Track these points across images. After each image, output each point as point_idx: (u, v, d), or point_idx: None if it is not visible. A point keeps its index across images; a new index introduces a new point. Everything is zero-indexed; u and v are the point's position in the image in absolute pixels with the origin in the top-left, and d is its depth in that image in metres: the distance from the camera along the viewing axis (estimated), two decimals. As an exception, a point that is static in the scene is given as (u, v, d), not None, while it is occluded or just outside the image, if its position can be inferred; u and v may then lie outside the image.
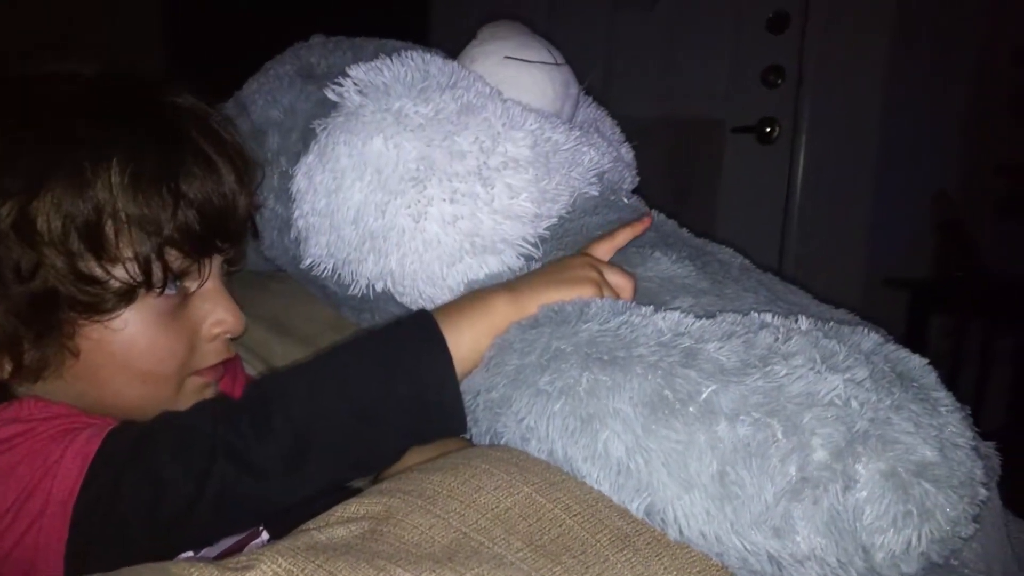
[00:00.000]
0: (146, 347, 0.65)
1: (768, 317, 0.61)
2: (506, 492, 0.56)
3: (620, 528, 0.56)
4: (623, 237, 0.75)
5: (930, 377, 0.58)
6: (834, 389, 0.53)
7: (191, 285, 0.67)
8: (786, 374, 0.55)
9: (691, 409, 0.55)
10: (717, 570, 0.56)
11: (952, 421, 0.54)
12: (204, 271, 0.66)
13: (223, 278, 0.70)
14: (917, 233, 2.31)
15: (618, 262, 0.72)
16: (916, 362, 0.59)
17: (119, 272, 0.61)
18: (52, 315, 0.61)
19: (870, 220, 2.31)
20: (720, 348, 0.57)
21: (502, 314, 0.66)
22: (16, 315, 0.61)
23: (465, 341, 0.65)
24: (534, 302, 0.67)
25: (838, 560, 0.51)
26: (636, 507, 0.57)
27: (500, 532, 0.53)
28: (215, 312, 0.68)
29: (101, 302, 0.62)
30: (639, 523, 0.57)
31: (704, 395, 0.55)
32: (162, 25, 2.52)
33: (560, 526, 0.55)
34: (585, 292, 0.66)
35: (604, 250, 0.74)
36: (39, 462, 0.58)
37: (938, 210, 2.29)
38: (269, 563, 0.48)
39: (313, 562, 0.48)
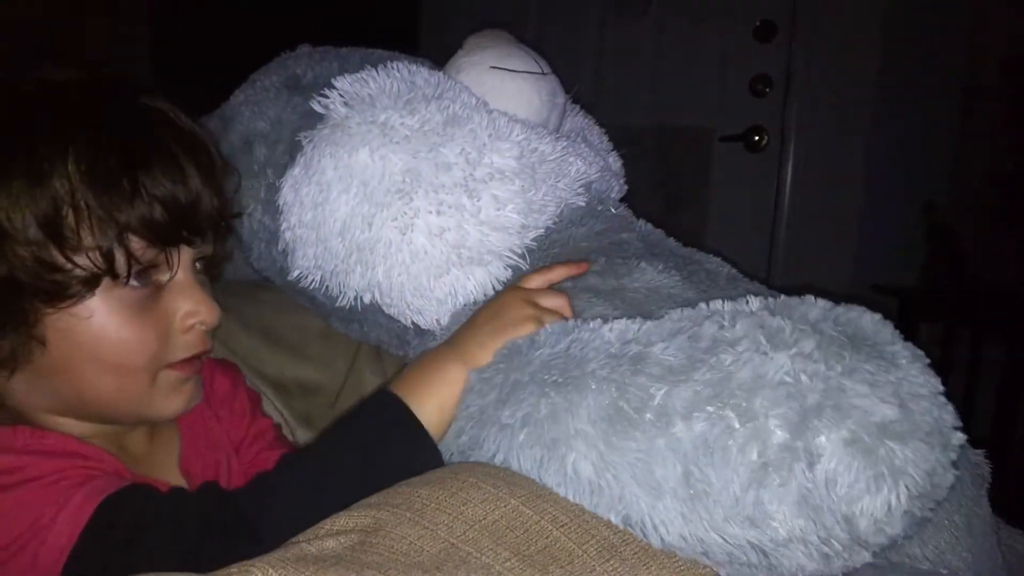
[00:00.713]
0: (115, 338, 0.65)
1: (717, 304, 0.60)
2: (493, 504, 0.56)
3: (607, 538, 0.56)
4: (559, 273, 0.75)
5: (884, 332, 0.56)
6: (782, 367, 0.53)
7: (162, 277, 0.67)
8: (732, 362, 0.54)
9: (647, 416, 0.55)
10: (705, 572, 0.56)
11: (911, 373, 0.53)
12: (173, 263, 0.66)
13: (196, 273, 0.70)
14: (906, 241, 2.31)
15: (603, 273, 0.72)
16: (868, 320, 0.57)
17: (82, 260, 0.62)
18: (14, 303, 0.62)
19: (859, 228, 2.32)
20: (666, 348, 0.57)
21: (459, 378, 0.67)
22: None
23: (430, 412, 0.66)
24: (484, 357, 0.67)
25: (818, 537, 0.51)
26: (614, 521, 0.57)
27: (488, 543, 0.53)
28: (186, 303, 0.68)
29: (63, 290, 0.62)
30: (626, 532, 0.57)
31: (657, 399, 0.55)
32: (150, 36, 2.52)
33: (547, 537, 0.55)
34: (528, 330, 0.67)
35: (537, 282, 0.74)
36: (31, 517, 0.58)
37: (928, 218, 2.30)
38: (260, 574, 0.47)
39: (303, 573, 0.48)
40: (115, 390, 0.67)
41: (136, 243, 0.64)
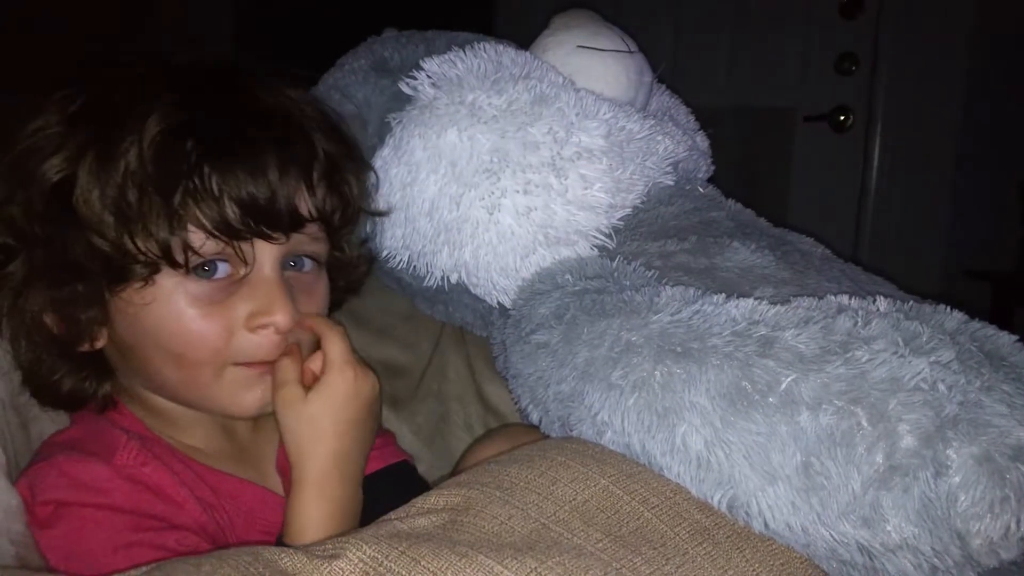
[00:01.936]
0: (174, 328, 0.63)
1: (845, 300, 0.59)
2: (583, 484, 0.56)
3: (699, 521, 0.55)
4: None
5: (1021, 355, 0.55)
6: (919, 373, 0.51)
7: (238, 271, 0.65)
8: (868, 359, 0.53)
9: (771, 400, 0.54)
10: (801, 562, 0.55)
11: None
12: (247, 257, 0.64)
13: (281, 269, 0.67)
14: (1002, 224, 2.23)
15: (694, 251, 0.71)
16: (1004, 340, 0.56)
17: (143, 245, 0.61)
18: (84, 281, 0.62)
19: (950, 211, 2.24)
20: (798, 335, 0.56)
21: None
22: (48, 278, 0.62)
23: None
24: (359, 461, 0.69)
25: (932, 548, 0.50)
26: (718, 500, 0.56)
27: (578, 523, 0.52)
28: (255, 303, 0.65)
29: (125, 273, 0.61)
30: (718, 516, 0.56)
31: (784, 385, 0.54)
32: (234, 25, 2.58)
33: (638, 518, 0.54)
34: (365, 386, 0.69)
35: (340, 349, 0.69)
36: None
37: (1024, 200, 2.20)
38: (355, 550, 0.48)
39: (396, 548, 0.48)
40: (179, 380, 0.66)
41: (195, 235, 0.62)
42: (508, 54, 0.78)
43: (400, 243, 0.78)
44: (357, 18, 1.18)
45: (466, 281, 0.77)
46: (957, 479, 0.49)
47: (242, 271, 0.65)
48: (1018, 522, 0.48)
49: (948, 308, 0.59)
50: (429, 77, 0.76)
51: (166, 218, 0.60)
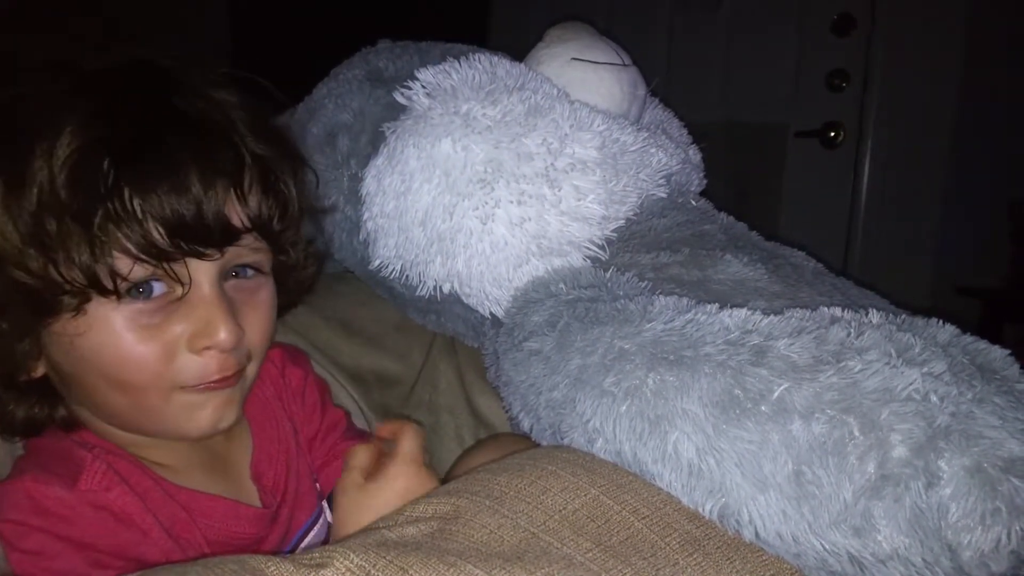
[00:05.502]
0: (113, 355, 0.60)
1: (838, 311, 0.59)
2: (573, 494, 0.56)
3: (689, 532, 0.55)
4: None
5: (1012, 369, 0.56)
6: (912, 383, 0.52)
7: (175, 291, 0.60)
8: (861, 369, 0.53)
9: (763, 408, 0.54)
10: (791, 573, 0.55)
11: None
12: (182, 278, 0.60)
13: (221, 284, 0.63)
14: (992, 241, 2.24)
15: (687, 264, 0.72)
16: (997, 354, 0.57)
17: (68, 274, 0.56)
18: (11, 315, 0.59)
19: (940, 227, 2.25)
20: (791, 345, 0.56)
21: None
22: None
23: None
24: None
25: (923, 559, 0.50)
26: (709, 509, 0.56)
27: (568, 533, 0.52)
28: (197, 323, 0.61)
29: (53, 305, 0.58)
30: (709, 526, 0.56)
31: (776, 393, 0.54)
32: (231, 35, 2.58)
33: (628, 528, 0.54)
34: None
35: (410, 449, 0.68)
36: None
37: (1015, 218, 2.21)
38: (342, 559, 0.48)
39: (384, 558, 0.48)
40: (128, 407, 0.62)
41: (121, 260, 0.57)
42: (503, 65, 0.78)
43: (393, 252, 0.77)
44: (352, 28, 1.19)
45: (459, 291, 0.77)
46: (948, 490, 0.49)
47: (179, 291, 0.61)
48: (1009, 535, 0.48)
49: (940, 321, 0.59)
50: (424, 87, 0.76)
51: (87, 245, 0.56)
